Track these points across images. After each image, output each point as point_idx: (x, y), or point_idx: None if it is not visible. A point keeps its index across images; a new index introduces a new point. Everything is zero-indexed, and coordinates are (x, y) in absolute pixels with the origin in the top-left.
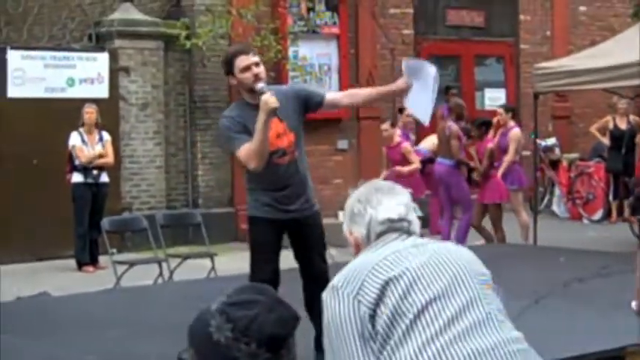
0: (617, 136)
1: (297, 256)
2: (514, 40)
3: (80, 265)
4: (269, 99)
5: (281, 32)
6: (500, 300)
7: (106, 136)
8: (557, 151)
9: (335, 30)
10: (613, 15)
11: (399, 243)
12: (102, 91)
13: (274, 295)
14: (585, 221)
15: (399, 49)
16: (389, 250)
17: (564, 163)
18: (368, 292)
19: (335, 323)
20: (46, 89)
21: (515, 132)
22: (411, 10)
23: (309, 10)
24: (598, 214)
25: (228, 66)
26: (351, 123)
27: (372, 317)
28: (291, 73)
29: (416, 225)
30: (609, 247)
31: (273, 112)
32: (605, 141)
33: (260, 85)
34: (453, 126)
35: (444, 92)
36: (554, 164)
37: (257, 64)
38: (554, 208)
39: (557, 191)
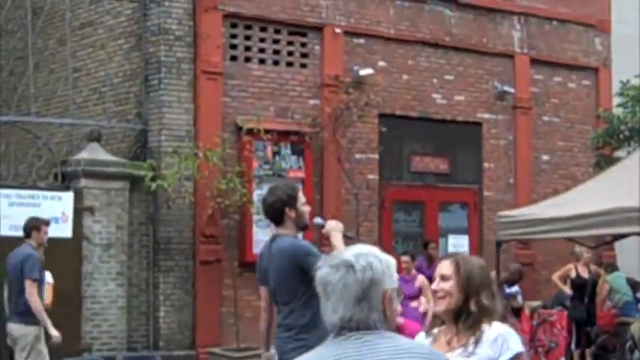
0: (579, 284)
1: None
2: (478, 187)
3: None
4: (338, 223)
5: (246, 175)
6: None
7: (49, 277)
8: (519, 298)
9: (300, 174)
10: (575, 164)
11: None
12: (65, 231)
13: None
14: None
15: (363, 194)
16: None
17: (527, 311)
18: None
19: None
20: (11, 227)
21: (421, 278)
22: (376, 156)
23: (274, 153)
24: None
25: (293, 199)
26: None
27: None
28: (255, 217)
29: (373, 315)
30: None
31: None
32: (567, 289)
33: (317, 219)
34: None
35: (422, 246)
36: (517, 312)
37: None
38: None
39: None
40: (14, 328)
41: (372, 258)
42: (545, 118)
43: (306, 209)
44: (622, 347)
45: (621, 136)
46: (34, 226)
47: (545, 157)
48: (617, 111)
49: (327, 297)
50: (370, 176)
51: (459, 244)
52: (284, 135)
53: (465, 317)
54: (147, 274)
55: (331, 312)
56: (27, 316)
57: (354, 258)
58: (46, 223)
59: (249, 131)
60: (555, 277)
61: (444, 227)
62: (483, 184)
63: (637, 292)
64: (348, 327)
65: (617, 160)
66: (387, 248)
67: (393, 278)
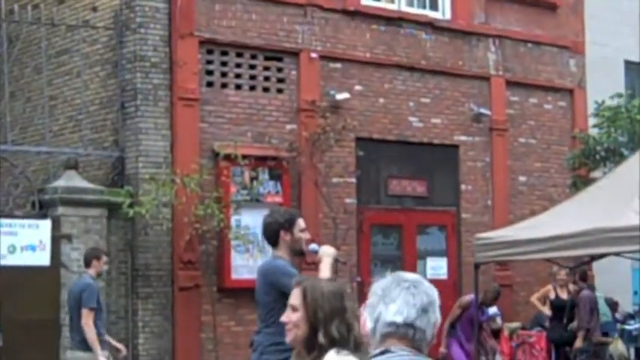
0: (558, 305)
1: None
2: (455, 210)
3: None
4: (330, 248)
5: (224, 201)
6: None
7: None
8: (498, 320)
9: (278, 199)
10: (552, 185)
11: None
12: (43, 259)
13: None
14: None
15: (341, 218)
16: None
17: (506, 332)
18: None
19: None
20: None
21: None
22: (353, 180)
23: (252, 179)
24: None
25: (290, 223)
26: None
27: None
28: (233, 242)
29: (427, 333)
30: None
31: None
32: (546, 310)
33: (313, 245)
34: None
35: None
36: (496, 333)
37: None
38: None
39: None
40: (74, 356)
41: None
42: (522, 140)
43: (303, 236)
44: None
45: (597, 156)
46: (95, 255)
47: (522, 179)
48: (593, 132)
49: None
50: (348, 200)
51: (437, 266)
52: (261, 160)
53: (313, 349)
54: (125, 301)
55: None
56: (85, 343)
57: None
58: (106, 253)
59: (227, 157)
60: (534, 298)
61: (422, 250)
62: (461, 206)
63: (615, 312)
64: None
65: (594, 180)
66: (365, 272)
67: None
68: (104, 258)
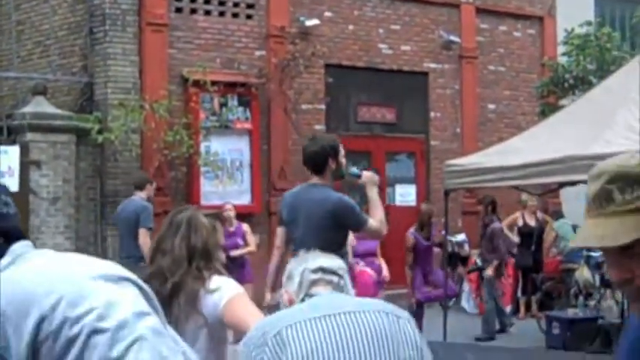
0: (525, 232)
1: None
2: (425, 137)
3: None
4: (374, 175)
5: (193, 127)
6: None
7: None
8: (466, 247)
9: (247, 125)
10: (521, 113)
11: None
12: (12, 185)
13: None
14: None
15: None
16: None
17: (473, 259)
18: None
19: None
20: None
21: (245, 226)
22: (322, 107)
23: (221, 105)
24: (507, 310)
25: (335, 150)
26: (262, 218)
27: None
28: (202, 169)
29: (347, 284)
30: (517, 344)
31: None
32: (514, 238)
33: (354, 169)
34: None
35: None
36: (464, 260)
37: None
38: (464, 304)
39: (466, 287)
40: None
41: None
42: (491, 68)
43: (344, 161)
44: (567, 293)
45: (566, 84)
46: (148, 180)
47: (491, 106)
48: (562, 60)
49: None
50: (317, 127)
51: (406, 193)
52: (231, 86)
53: None
54: (95, 227)
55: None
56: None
57: None
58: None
59: (196, 83)
60: (502, 225)
61: (391, 177)
62: (430, 133)
63: None
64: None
65: (562, 108)
66: None
67: None
68: (153, 183)
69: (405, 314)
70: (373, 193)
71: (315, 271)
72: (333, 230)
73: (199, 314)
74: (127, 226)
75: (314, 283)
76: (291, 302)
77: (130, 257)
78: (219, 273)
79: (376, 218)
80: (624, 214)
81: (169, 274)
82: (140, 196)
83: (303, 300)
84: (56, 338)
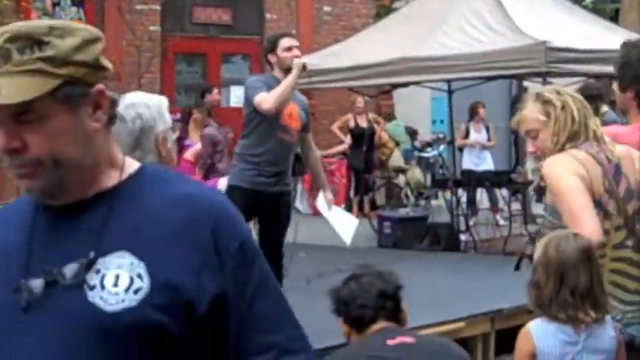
0: (357, 134)
1: (261, 229)
2: (260, 38)
3: None
4: (301, 60)
5: None
6: None
7: None
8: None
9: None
10: (356, 16)
11: None
12: None
13: None
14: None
15: (145, 45)
16: None
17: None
18: None
19: None
20: None
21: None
22: (158, 7)
23: (54, 5)
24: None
25: (272, 45)
26: None
27: None
28: None
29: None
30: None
31: (303, 68)
32: (346, 139)
33: (296, 61)
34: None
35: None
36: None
37: (298, 48)
38: (297, 204)
39: (299, 187)
40: None
41: (141, 108)
42: None
43: (287, 55)
44: (398, 194)
45: None
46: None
47: (326, 9)
48: None
49: None
50: (152, 27)
51: (241, 94)
52: None
53: None
54: None
55: None
56: None
57: (124, 109)
58: None
59: None
60: (335, 127)
61: (226, 78)
62: (265, 35)
63: (414, 141)
64: None
65: (396, 10)
66: (169, 101)
67: (165, 119)
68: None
69: None
70: (289, 76)
71: None
72: (247, 110)
73: None
74: None
75: None
76: None
77: None
78: None
79: (272, 92)
80: (20, 74)
81: None
82: None
83: None
84: None
